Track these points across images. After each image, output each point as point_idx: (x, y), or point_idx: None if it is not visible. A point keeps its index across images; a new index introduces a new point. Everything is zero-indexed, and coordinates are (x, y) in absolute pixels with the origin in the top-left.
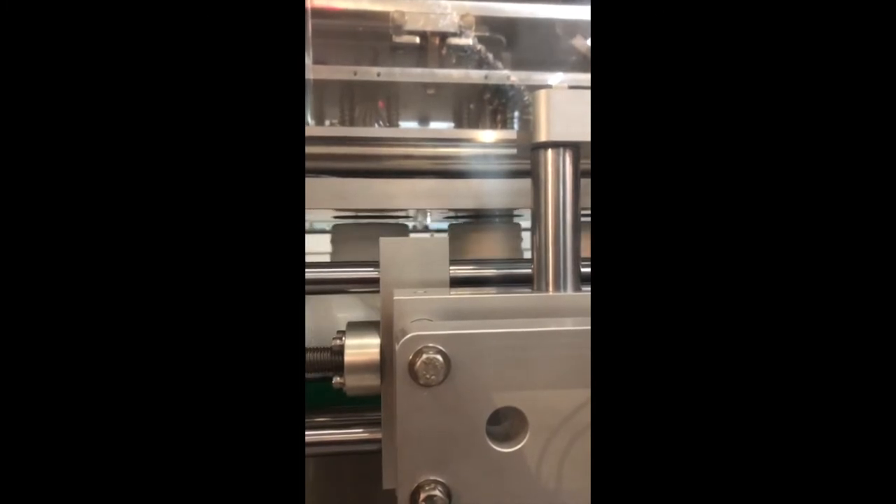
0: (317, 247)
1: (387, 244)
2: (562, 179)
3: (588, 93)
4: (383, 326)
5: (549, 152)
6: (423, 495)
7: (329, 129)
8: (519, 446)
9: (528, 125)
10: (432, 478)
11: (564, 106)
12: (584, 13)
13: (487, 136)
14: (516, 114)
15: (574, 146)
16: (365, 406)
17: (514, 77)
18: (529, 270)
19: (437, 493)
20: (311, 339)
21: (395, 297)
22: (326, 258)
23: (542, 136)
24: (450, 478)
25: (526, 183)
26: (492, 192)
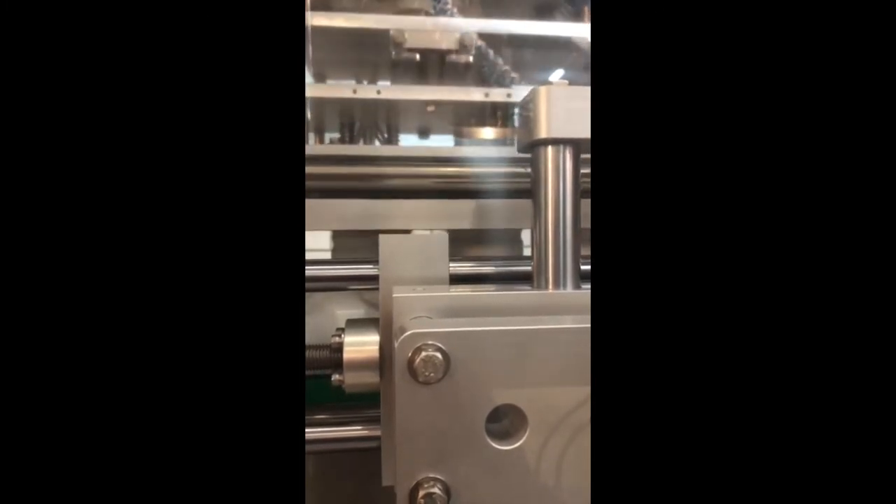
0: (317, 243)
1: (386, 241)
2: (562, 176)
3: (588, 89)
4: (383, 324)
5: (549, 149)
6: (422, 492)
7: (329, 148)
8: (518, 444)
9: (527, 122)
10: (431, 475)
11: (564, 102)
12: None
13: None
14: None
15: (574, 143)
16: (364, 403)
17: (515, 94)
18: (529, 268)
19: (436, 490)
20: (310, 337)
21: (395, 295)
22: (327, 255)
23: (542, 133)
24: (449, 475)
25: (528, 203)
26: (494, 210)
